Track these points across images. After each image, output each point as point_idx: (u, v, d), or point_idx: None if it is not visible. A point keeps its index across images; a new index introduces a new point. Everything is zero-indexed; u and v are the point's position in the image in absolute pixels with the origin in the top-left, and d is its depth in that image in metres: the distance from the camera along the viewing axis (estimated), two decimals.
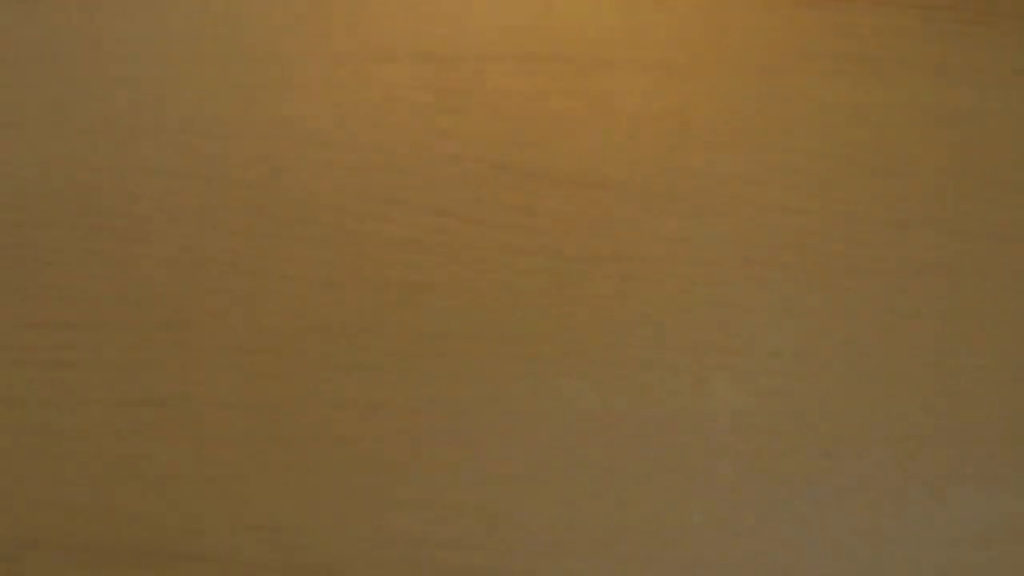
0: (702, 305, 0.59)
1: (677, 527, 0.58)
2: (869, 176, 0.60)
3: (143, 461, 0.59)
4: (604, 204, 0.60)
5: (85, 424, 0.59)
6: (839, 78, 0.61)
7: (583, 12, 0.61)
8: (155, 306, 0.60)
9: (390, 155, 0.60)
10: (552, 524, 0.58)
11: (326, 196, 0.60)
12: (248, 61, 0.61)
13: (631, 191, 0.60)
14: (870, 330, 0.59)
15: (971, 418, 0.58)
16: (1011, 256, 0.59)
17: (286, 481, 0.58)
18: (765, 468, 0.58)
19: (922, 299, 0.59)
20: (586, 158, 0.60)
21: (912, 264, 0.59)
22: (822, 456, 0.58)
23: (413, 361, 0.59)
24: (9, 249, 0.60)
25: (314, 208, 0.60)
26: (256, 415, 0.59)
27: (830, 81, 0.60)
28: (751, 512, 0.58)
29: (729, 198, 0.60)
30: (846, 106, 0.60)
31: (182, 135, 0.61)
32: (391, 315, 0.59)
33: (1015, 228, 0.60)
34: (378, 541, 0.58)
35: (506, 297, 0.59)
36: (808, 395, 0.59)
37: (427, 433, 0.58)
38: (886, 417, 0.58)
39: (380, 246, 0.60)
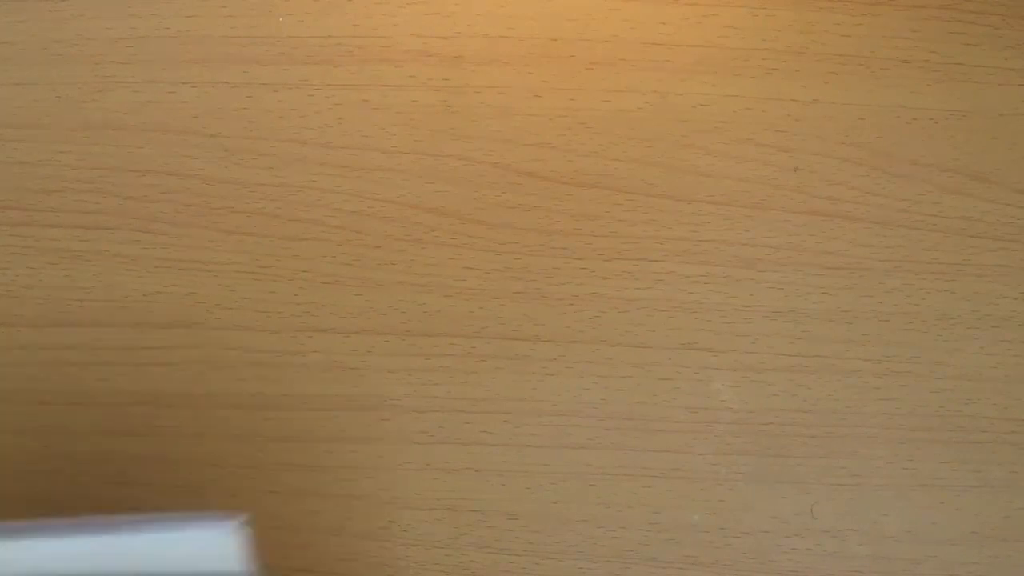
0: (702, 305, 0.59)
1: (677, 527, 0.58)
2: (869, 176, 0.60)
3: (144, 461, 0.59)
4: (604, 204, 0.60)
5: (85, 424, 0.59)
6: (839, 78, 0.61)
7: (583, 12, 0.61)
8: (156, 306, 0.60)
9: (390, 155, 0.60)
10: (552, 524, 0.58)
11: (326, 196, 0.60)
12: (248, 61, 0.61)
13: (631, 191, 0.60)
14: (870, 330, 0.59)
15: (971, 418, 0.58)
16: (1011, 255, 0.59)
17: (287, 481, 0.58)
18: (765, 468, 0.58)
19: (921, 299, 0.59)
20: (586, 158, 0.60)
21: (912, 264, 0.59)
22: (822, 456, 0.58)
23: (413, 361, 0.59)
24: (9, 249, 0.60)
25: (314, 208, 0.60)
26: (257, 415, 0.59)
27: (830, 81, 0.60)
28: (751, 512, 0.58)
29: (729, 198, 0.60)
30: (846, 106, 0.60)
31: (182, 135, 0.61)
32: (391, 315, 0.59)
33: (1015, 228, 0.60)
34: (378, 541, 0.58)
35: (506, 297, 0.59)
36: (808, 395, 0.59)
37: (427, 433, 0.59)
38: (886, 417, 0.58)
39: (380, 246, 0.60)
